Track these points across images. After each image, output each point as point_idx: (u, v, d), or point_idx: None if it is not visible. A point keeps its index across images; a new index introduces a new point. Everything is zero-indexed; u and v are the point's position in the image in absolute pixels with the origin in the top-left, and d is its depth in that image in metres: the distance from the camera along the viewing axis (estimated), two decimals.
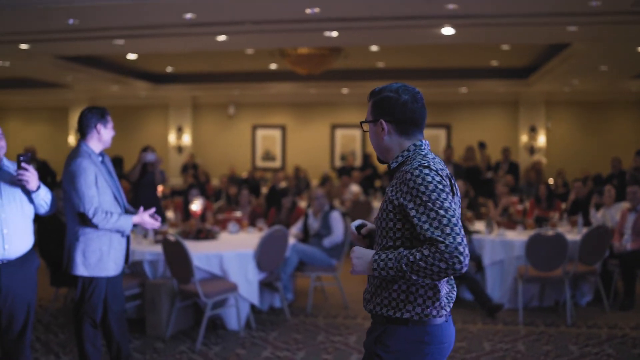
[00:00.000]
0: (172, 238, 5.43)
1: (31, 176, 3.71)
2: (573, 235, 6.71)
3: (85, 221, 4.09)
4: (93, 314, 4.19)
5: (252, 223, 7.60)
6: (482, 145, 12.17)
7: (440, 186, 2.17)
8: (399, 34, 8.98)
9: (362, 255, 2.29)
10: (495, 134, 15.40)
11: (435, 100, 15.91)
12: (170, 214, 8.56)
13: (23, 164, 3.68)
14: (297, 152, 16.75)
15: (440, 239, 2.10)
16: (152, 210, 4.39)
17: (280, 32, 8.78)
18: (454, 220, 2.13)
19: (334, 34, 8.73)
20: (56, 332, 5.67)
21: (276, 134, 17.07)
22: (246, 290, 5.81)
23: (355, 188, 11.22)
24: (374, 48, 11.09)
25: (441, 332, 2.32)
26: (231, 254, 5.81)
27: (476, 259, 6.75)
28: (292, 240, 6.58)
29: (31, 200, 3.85)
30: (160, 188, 8.75)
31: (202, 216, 7.47)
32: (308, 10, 7.40)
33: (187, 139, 17.12)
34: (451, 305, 2.36)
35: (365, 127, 2.44)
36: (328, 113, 16.61)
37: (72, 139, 16.93)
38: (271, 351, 5.18)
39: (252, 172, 14.96)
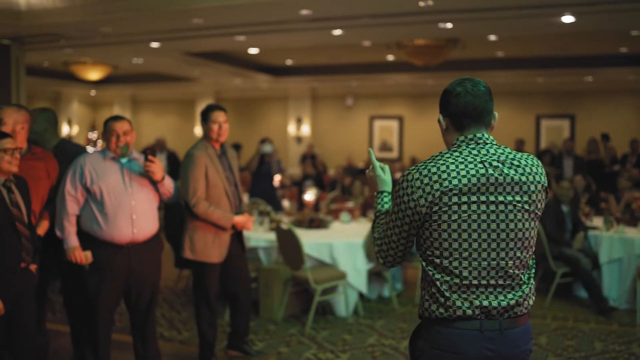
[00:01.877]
0: (284, 226, 5.71)
1: (157, 167, 4.05)
2: None
3: (189, 209, 4.42)
4: (206, 295, 4.52)
5: (364, 213, 7.77)
6: (605, 138, 11.60)
7: (399, 191, 2.16)
8: (515, 23, 8.75)
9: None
10: (623, 125, 14.58)
11: (558, 90, 15.33)
12: (286, 203, 8.92)
13: (150, 157, 4.05)
14: (414, 143, 16.72)
15: (378, 236, 2.32)
16: (253, 219, 4.69)
17: (393, 25, 8.83)
18: (391, 228, 2.22)
19: (449, 25, 8.67)
20: (179, 310, 6.14)
21: (393, 124, 17.12)
22: (355, 279, 5.99)
23: None
24: (492, 37, 10.85)
25: (462, 342, 2.09)
26: (341, 243, 6.01)
27: (592, 256, 6.53)
28: None
29: (157, 189, 4.22)
30: (279, 177, 9.14)
31: (316, 205, 7.74)
32: (421, 3, 7.42)
33: (306, 129, 17.55)
34: (492, 312, 2.09)
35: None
36: None
37: (198, 130, 17.87)
38: (377, 338, 5.34)
39: (368, 163, 15.11)
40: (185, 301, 6.43)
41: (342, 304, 6.00)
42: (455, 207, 2.06)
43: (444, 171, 2.07)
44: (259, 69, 14.89)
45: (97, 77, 13.95)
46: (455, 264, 2.08)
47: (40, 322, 4.38)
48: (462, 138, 2.16)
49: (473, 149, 2.13)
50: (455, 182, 2.06)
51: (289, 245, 5.67)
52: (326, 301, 6.03)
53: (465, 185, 2.06)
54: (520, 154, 2.18)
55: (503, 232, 2.08)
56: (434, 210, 2.07)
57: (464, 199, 2.06)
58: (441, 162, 2.11)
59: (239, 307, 4.71)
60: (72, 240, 4.00)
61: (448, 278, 2.09)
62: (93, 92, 18.85)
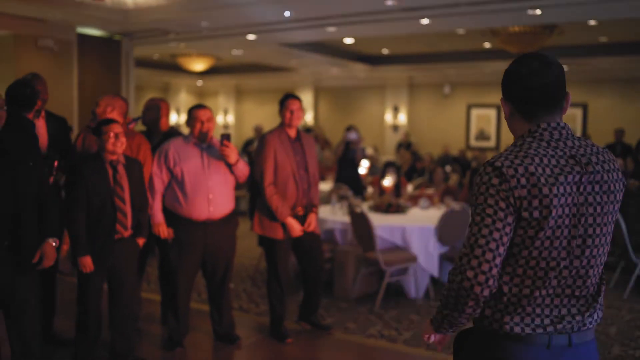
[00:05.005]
0: (358, 210, 5.99)
1: (231, 151, 4.44)
2: None
3: (259, 188, 4.77)
4: (275, 271, 4.87)
5: (443, 200, 7.87)
6: None
7: (484, 190, 1.79)
8: (611, 7, 8.46)
9: None
10: None
11: None
12: (370, 189, 9.19)
13: (225, 141, 4.44)
14: None
15: (463, 250, 1.81)
16: (301, 230, 4.76)
17: (481, 14, 8.80)
18: (484, 231, 1.75)
19: (537, 12, 8.55)
20: (260, 286, 6.57)
21: (491, 113, 16.87)
22: (426, 262, 6.17)
23: None
24: (592, 22, 10.50)
25: (528, 356, 1.83)
26: (413, 227, 6.19)
27: None
28: None
29: (232, 172, 4.61)
30: (367, 164, 9.42)
31: (398, 192, 7.93)
32: None
33: (402, 118, 17.64)
34: (566, 327, 1.85)
35: None
36: None
37: None
38: None
39: (463, 151, 15.04)
40: (266, 278, 6.83)
41: (413, 286, 6.20)
42: (550, 208, 1.75)
43: (538, 164, 1.77)
44: (356, 58, 15.14)
45: (202, 69, 14.72)
46: (541, 273, 1.81)
47: (134, 289, 4.91)
48: (544, 125, 1.85)
49: (559, 139, 1.83)
50: (550, 179, 1.76)
51: (361, 228, 5.94)
52: (398, 283, 6.26)
53: (561, 183, 1.76)
54: (597, 147, 1.89)
55: (589, 238, 1.82)
56: (524, 208, 1.76)
57: (559, 199, 1.75)
58: (532, 152, 1.80)
59: (308, 283, 5.04)
60: (158, 216, 4.48)
61: (528, 291, 1.82)
62: (199, 83, 19.83)
